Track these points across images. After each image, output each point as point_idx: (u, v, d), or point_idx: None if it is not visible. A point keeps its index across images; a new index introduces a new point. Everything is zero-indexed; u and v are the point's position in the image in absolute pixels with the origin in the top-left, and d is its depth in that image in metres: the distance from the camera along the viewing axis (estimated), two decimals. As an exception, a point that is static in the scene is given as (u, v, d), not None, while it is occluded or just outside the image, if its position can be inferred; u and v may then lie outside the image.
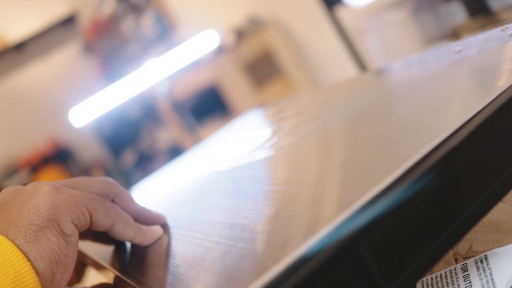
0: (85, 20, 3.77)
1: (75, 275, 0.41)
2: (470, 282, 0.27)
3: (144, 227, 0.35)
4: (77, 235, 0.30)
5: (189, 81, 2.37)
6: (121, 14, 3.07)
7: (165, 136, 3.23)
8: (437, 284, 0.29)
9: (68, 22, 3.92)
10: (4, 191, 0.32)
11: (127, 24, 3.06)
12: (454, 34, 1.00)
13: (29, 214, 0.29)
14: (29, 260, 0.27)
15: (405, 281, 0.22)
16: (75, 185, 0.33)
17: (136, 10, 2.93)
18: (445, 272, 0.29)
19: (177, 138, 2.94)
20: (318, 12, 1.46)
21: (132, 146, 3.59)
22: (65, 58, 4.00)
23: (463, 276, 0.28)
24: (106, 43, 3.48)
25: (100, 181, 0.35)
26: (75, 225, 0.30)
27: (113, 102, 1.82)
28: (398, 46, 1.27)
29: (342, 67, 1.67)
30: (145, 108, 3.29)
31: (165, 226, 0.37)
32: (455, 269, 0.29)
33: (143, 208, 0.37)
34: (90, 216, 0.31)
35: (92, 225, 0.32)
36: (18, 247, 0.27)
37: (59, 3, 3.89)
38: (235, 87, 2.18)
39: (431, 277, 0.30)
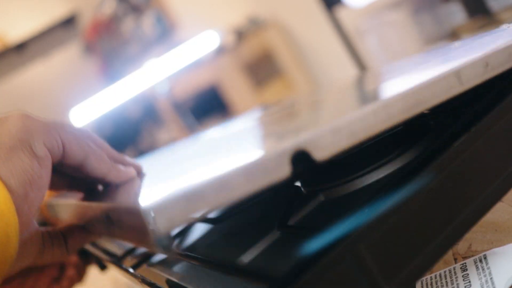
0: (86, 20, 3.77)
1: (76, 274, 0.41)
2: (470, 282, 0.27)
3: (119, 165, 0.34)
4: (50, 159, 0.30)
5: (189, 81, 2.37)
6: (122, 15, 3.07)
7: (165, 135, 3.23)
8: (436, 283, 0.29)
9: (68, 22, 3.92)
10: None
11: (128, 24, 3.06)
12: (454, 35, 0.99)
13: (1, 137, 0.29)
14: (0, 178, 0.27)
15: (405, 281, 0.22)
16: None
17: (136, 10, 2.93)
18: (445, 272, 0.29)
19: (177, 138, 2.94)
20: (318, 12, 1.46)
21: (132, 146, 3.59)
22: (66, 59, 4.00)
23: (463, 276, 0.28)
24: (107, 43, 3.48)
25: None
26: (48, 150, 0.30)
27: (114, 102, 1.82)
28: (397, 46, 1.27)
29: (342, 67, 1.67)
30: (145, 108, 3.29)
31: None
32: (454, 268, 0.29)
33: (120, 155, 0.36)
34: (63, 146, 0.31)
35: (65, 156, 0.31)
36: None
37: (60, 4, 3.88)
38: (235, 87, 2.18)
39: (431, 277, 0.30)
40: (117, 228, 0.26)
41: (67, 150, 0.31)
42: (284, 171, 0.21)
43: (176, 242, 0.35)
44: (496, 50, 0.27)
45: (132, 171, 0.35)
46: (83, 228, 0.37)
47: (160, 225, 0.19)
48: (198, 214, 0.20)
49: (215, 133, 0.53)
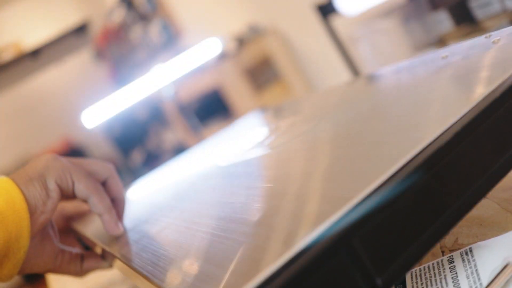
0: (97, 28, 3.77)
1: (79, 267, 0.43)
2: (456, 273, 0.27)
3: (115, 217, 0.40)
4: (58, 192, 0.37)
5: (193, 85, 2.37)
6: (130, 23, 3.07)
7: (171, 136, 3.23)
8: (425, 275, 0.29)
9: (80, 30, 3.92)
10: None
11: (136, 32, 3.06)
12: (441, 42, 0.99)
13: (29, 169, 0.37)
14: (20, 188, 0.35)
15: (395, 272, 0.22)
16: (78, 162, 0.40)
17: (144, 19, 2.93)
18: (433, 264, 0.29)
19: (182, 138, 2.94)
20: (314, 21, 1.46)
21: (140, 146, 3.59)
22: (78, 64, 4.00)
23: (450, 268, 0.28)
24: (116, 49, 3.48)
25: (100, 163, 0.41)
26: (58, 185, 0.37)
27: (123, 105, 1.82)
28: (388, 53, 1.27)
29: (336, 72, 1.67)
30: (152, 111, 3.29)
31: (160, 215, 0.39)
32: (442, 261, 0.29)
33: (123, 196, 0.42)
34: (73, 184, 0.38)
35: (74, 191, 0.38)
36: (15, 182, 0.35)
37: (72, 12, 3.89)
38: (237, 91, 2.18)
39: (420, 269, 0.30)
40: None
41: (76, 187, 0.38)
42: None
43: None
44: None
45: (121, 228, 0.40)
46: (100, 256, 0.43)
47: None
48: None
49: (223, 153, 0.51)
